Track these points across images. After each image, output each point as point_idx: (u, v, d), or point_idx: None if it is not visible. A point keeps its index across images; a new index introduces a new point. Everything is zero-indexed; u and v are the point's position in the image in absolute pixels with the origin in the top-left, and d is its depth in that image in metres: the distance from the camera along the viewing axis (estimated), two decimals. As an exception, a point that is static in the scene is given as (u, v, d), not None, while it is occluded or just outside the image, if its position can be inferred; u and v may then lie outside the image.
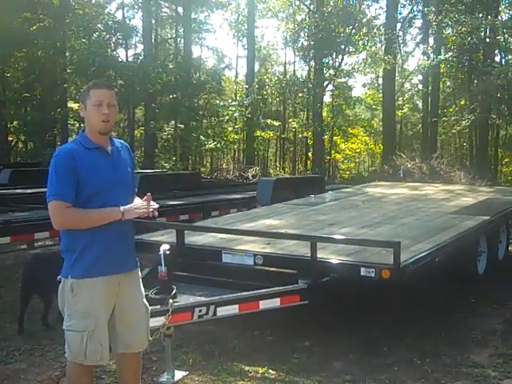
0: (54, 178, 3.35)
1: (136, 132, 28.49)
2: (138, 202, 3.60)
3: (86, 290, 3.40)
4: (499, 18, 24.19)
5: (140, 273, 3.77)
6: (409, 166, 20.02)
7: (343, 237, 6.01)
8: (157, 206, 3.59)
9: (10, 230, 7.72)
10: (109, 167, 3.47)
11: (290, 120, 33.54)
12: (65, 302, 3.48)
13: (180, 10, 28.81)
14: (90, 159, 3.40)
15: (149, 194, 3.58)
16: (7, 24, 20.85)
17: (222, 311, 4.85)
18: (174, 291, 4.33)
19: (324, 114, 30.37)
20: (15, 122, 26.02)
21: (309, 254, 5.41)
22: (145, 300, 3.74)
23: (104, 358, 3.49)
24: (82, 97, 3.52)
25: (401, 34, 29.05)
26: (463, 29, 24.31)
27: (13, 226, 7.80)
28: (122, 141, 3.75)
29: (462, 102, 28.97)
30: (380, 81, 33.99)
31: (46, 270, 5.72)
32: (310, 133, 29.20)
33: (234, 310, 4.92)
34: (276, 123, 30.68)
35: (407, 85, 36.40)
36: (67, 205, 3.31)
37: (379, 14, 27.51)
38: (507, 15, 26.07)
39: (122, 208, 3.40)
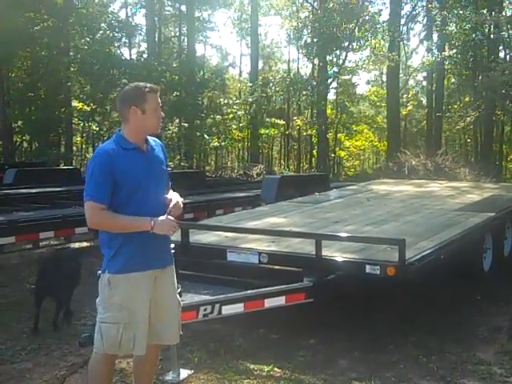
0: (91, 178, 3.46)
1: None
2: (174, 197, 3.69)
3: (121, 285, 3.51)
4: (503, 13, 24.08)
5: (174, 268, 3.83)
6: (413, 162, 19.97)
7: (348, 234, 6.01)
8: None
9: (15, 230, 7.74)
10: (144, 166, 3.56)
11: (295, 118, 33.53)
12: (101, 296, 3.59)
13: (183, 8, 28.86)
14: (126, 160, 3.50)
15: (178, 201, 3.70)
16: (11, 24, 20.86)
17: (227, 310, 4.86)
18: (178, 290, 4.31)
19: (328, 111, 30.35)
20: (20, 122, 26.07)
21: (314, 252, 5.40)
22: (178, 295, 3.83)
23: (137, 349, 3.55)
24: (132, 100, 3.55)
25: (404, 30, 29.00)
26: (467, 25, 24.27)
27: (18, 226, 7.83)
28: (155, 139, 3.82)
29: (467, 99, 28.90)
30: (384, 78, 33.94)
31: (59, 272, 5.76)
32: (315, 130, 29.18)
33: (239, 308, 4.93)
34: (280, 121, 30.67)
35: (411, 81, 36.38)
36: (102, 207, 3.41)
37: (381, 10, 27.45)
38: (511, 11, 26.00)
39: (152, 221, 3.46)
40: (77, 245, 9.85)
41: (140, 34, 28.61)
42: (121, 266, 3.50)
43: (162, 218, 3.51)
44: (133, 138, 3.57)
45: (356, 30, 25.28)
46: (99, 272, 3.63)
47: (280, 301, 5.05)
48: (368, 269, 5.14)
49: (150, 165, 3.59)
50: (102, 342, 3.56)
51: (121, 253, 3.50)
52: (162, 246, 3.64)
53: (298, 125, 32.66)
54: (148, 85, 3.62)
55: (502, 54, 26.76)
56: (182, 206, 3.71)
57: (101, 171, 3.44)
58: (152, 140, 3.73)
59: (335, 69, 27.09)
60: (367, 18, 25.28)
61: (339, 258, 5.43)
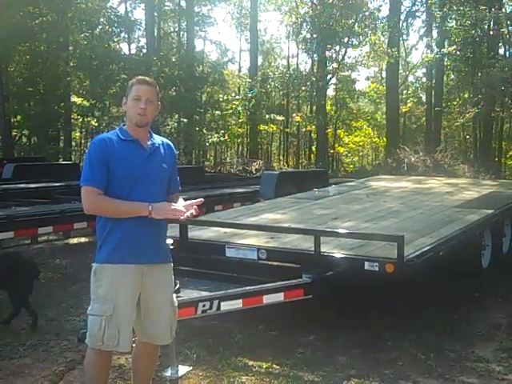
0: (87, 164, 3.50)
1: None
2: (181, 203, 3.65)
3: (106, 276, 3.50)
4: (503, 10, 24.06)
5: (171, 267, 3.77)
6: (412, 159, 19.97)
7: (347, 231, 6.00)
8: (193, 212, 3.58)
9: (14, 225, 7.72)
10: (140, 160, 3.55)
11: (294, 114, 33.49)
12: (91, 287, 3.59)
13: (183, 3, 28.82)
14: (122, 150, 3.52)
15: (200, 199, 3.68)
16: (10, 18, 20.82)
17: (226, 306, 4.84)
18: (177, 286, 4.31)
19: (327, 107, 30.31)
20: (19, 117, 26.03)
21: (312, 248, 5.41)
22: (174, 296, 3.79)
23: (122, 345, 3.52)
24: (126, 92, 3.65)
25: (404, 26, 28.92)
26: (467, 21, 24.22)
27: (16, 221, 7.80)
28: (165, 139, 3.82)
29: (466, 95, 28.88)
30: (384, 74, 33.90)
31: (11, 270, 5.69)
32: (314, 126, 29.15)
33: (237, 304, 4.91)
34: (279, 117, 30.64)
35: (411, 78, 36.33)
36: (98, 191, 3.44)
37: (381, 6, 27.35)
38: (511, 7, 25.98)
39: (150, 206, 3.45)
40: (75, 240, 9.88)
41: (139, 29, 28.52)
42: (105, 256, 3.50)
43: (161, 203, 3.51)
44: (131, 131, 3.60)
45: (356, 26, 25.24)
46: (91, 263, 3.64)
47: (279, 297, 5.04)
48: (367, 265, 5.14)
49: (147, 160, 3.57)
50: (89, 335, 3.56)
51: (106, 243, 3.51)
52: (151, 242, 3.57)
53: (298, 121, 32.63)
54: (140, 77, 3.66)
55: (501, 51, 26.73)
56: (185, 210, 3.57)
57: (96, 157, 3.48)
58: (159, 139, 3.74)
59: (334, 65, 27.05)
60: (367, 13, 25.23)
61: (338, 254, 5.43)
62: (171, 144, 3.83)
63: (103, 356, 3.62)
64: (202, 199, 3.71)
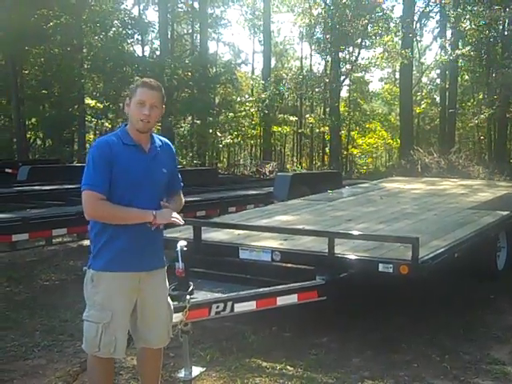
0: (89, 168, 3.40)
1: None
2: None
3: (104, 283, 3.45)
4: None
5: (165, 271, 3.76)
6: (426, 160, 19.85)
7: (361, 233, 5.99)
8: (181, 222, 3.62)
9: (29, 227, 7.76)
10: (142, 166, 3.49)
11: (307, 116, 33.46)
12: (85, 292, 3.55)
13: (196, 5, 28.89)
14: (125, 155, 3.44)
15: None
16: (24, 21, 20.98)
17: (240, 307, 4.83)
18: (191, 288, 4.30)
19: (341, 108, 30.24)
20: (33, 119, 26.22)
21: (326, 250, 5.39)
22: (169, 298, 3.77)
23: (118, 352, 3.50)
24: (129, 93, 3.57)
25: (417, 27, 28.82)
26: (481, 22, 24.08)
27: (31, 223, 7.84)
28: (164, 139, 3.76)
29: (481, 96, 28.73)
30: (397, 75, 33.77)
31: None
32: (327, 128, 29.10)
33: (251, 306, 4.90)
34: (292, 118, 30.61)
35: (425, 79, 36.16)
36: (100, 196, 3.35)
37: (394, 6, 27.29)
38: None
39: (154, 212, 3.43)
40: (89, 242, 9.90)
41: (153, 31, 28.64)
42: (103, 264, 3.45)
43: (164, 209, 3.50)
44: (133, 134, 3.52)
45: (369, 27, 25.16)
46: (85, 268, 3.59)
47: (292, 299, 5.02)
48: (381, 267, 5.12)
49: (148, 166, 3.51)
50: (85, 341, 3.53)
51: (104, 250, 3.45)
52: (150, 249, 3.56)
53: (311, 122, 32.58)
54: (146, 79, 3.59)
55: (516, 51, 26.55)
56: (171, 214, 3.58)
57: (99, 161, 3.39)
58: (159, 140, 3.68)
59: (348, 66, 26.98)
60: (380, 14, 25.14)
61: (352, 256, 5.41)
62: (170, 144, 3.78)
63: (104, 361, 3.56)
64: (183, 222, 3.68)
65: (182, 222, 3.58)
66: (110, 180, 3.38)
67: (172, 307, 3.81)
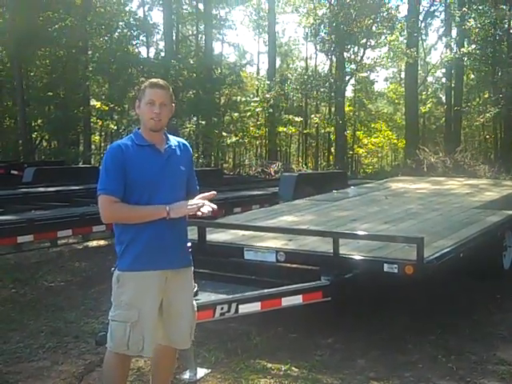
0: (103, 172, 3.46)
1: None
2: (194, 200, 3.60)
3: (130, 283, 3.48)
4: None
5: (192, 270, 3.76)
6: (432, 160, 19.82)
7: (366, 233, 5.97)
8: (214, 207, 3.58)
9: (34, 228, 7.76)
10: (158, 165, 3.51)
11: (312, 116, 33.44)
12: (112, 293, 3.58)
13: (201, 6, 28.88)
14: (139, 156, 3.48)
15: (212, 192, 3.66)
16: (30, 23, 21.05)
17: (244, 308, 4.82)
18: (195, 289, 4.31)
19: (346, 108, 30.21)
20: (39, 121, 26.29)
21: (331, 251, 5.38)
22: (194, 300, 3.78)
23: (146, 350, 3.52)
24: (138, 95, 3.61)
25: (422, 26, 28.76)
26: (486, 20, 24.02)
27: (36, 224, 7.84)
28: (180, 139, 3.77)
29: (486, 95, 28.64)
30: (402, 75, 33.73)
31: None
32: (333, 128, 29.08)
33: (256, 307, 4.89)
34: (297, 119, 30.59)
35: (430, 78, 36.10)
36: (115, 199, 3.40)
37: (398, 6, 27.26)
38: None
39: (167, 207, 3.44)
40: (94, 243, 9.93)
41: (158, 32, 28.72)
42: (128, 264, 3.47)
43: (177, 202, 3.49)
44: (146, 135, 3.55)
45: (374, 27, 25.12)
46: (112, 269, 3.62)
47: (297, 300, 5.01)
48: (386, 267, 5.10)
49: (165, 165, 3.53)
50: (112, 341, 3.55)
51: (129, 250, 3.48)
52: (174, 247, 3.57)
53: (316, 122, 32.56)
54: (153, 80, 3.61)
55: (522, 50, 26.47)
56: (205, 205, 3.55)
57: (113, 164, 3.44)
58: (175, 140, 3.69)
59: (353, 66, 26.96)
60: (385, 14, 25.10)
61: (357, 256, 5.40)
62: (187, 144, 3.80)
63: (123, 360, 3.60)
64: (215, 192, 3.69)
65: (207, 208, 3.52)
66: (125, 182, 3.42)
67: (196, 308, 3.81)
